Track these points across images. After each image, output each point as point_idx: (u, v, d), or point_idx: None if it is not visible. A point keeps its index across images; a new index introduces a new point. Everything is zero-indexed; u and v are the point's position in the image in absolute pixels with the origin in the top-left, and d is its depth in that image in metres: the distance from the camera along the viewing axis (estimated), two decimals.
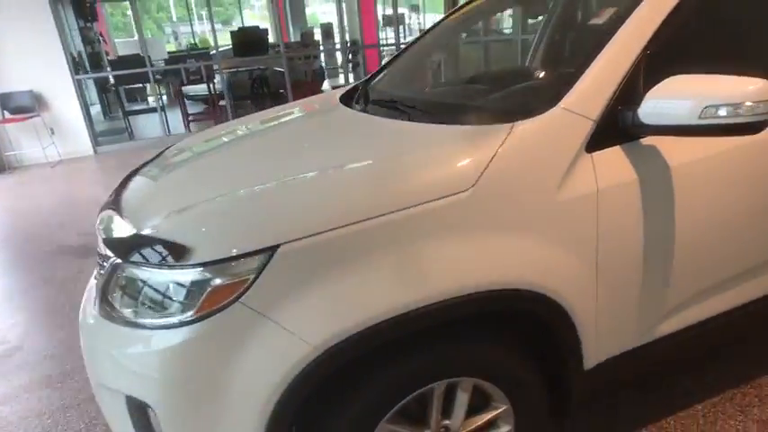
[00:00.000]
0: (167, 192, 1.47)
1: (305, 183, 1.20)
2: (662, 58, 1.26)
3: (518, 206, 1.17)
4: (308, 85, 9.19)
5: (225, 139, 1.90)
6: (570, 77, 1.28)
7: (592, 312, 1.28)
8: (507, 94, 1.61)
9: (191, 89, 8.30)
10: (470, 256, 1.13)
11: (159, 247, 1.12)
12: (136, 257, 1.15)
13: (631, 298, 1.34)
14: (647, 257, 1.30)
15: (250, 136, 1.90)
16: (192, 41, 14.61)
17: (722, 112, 1.08)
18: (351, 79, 8.31)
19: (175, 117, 8.06)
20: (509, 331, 1.29)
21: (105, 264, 1.26)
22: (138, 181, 1.61)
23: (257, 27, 9.59)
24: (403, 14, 14.81)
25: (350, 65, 9.60)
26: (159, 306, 1.11)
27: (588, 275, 1.24)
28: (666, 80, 1.17)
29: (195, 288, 1.06)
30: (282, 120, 2.02)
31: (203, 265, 1.05)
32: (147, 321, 1.12)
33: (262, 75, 8.30)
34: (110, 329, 1.20)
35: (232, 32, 8.55)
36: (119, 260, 1.20)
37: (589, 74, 1.25)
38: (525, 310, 1.22)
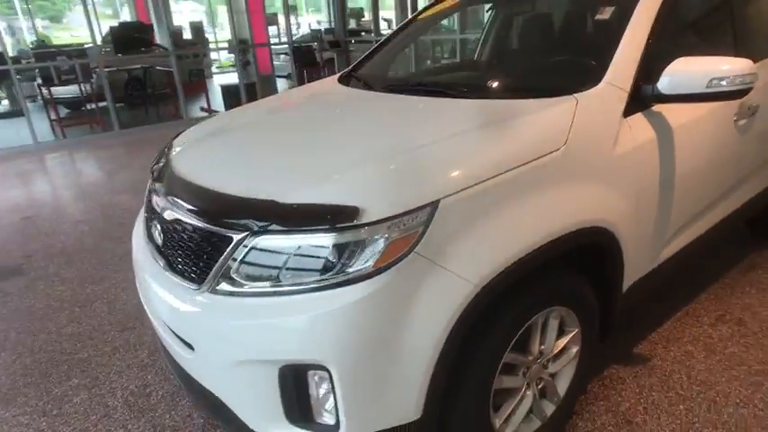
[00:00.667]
0: (283, 161, 1.49)
1: (443, 148, 1.36)
2: (659, 44, 1.66)
3: (590, 160, 1.48)
4: (191, 85, 8.74)
5: (291, 113, 2.11)
6: (601, 59, 1.62)
7: (632, 241, 1.64)
8: (558, 72, 1.92)
9: (60, 90, 7.35)
10: (569, 201, 1.41)
11: (321, 212, 1.18)
12: (285, 225, 1.20)
13: (652, 228, 1.74)
14: (662, 194, 1.71)
15: (324, 111, 2.03)
16: (35, 38, 12.79)
17: (723, 83, 1.50)
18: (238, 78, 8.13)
19: (40, 124, 7.09)
20: (583, 264, 1.59)
21: (207, 246, 1.30)
22: (217, 158, 1.66)
23: (141, 22, 8.83)
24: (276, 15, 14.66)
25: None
26: (322, 268, 1.17)
27: (631, 211, 1.60)
28: (676, 61, 1.56)
29: (370, 245, 1.16)
30: (330, 101, 2.15)
31: (380, 222, 1.16)
32: (305, 285, 1.18)
33: (145, 73, 7.69)
34: (243, 304, 1.24)
35: (112, 27, 7.77)
36: (247, 233, 1.23)
37: (618, 55, 1.60)
38: (595, 243, 1.53)
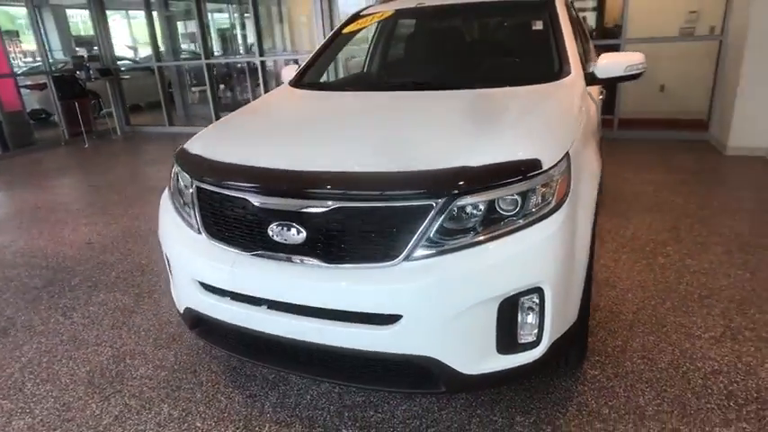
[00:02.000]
0: (422, 138, 1.70)
1: (539, 117, 1.79)
2: (578, 45, 2.43)
3: (587, 122, 2.09)
4: None
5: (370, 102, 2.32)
6: (560, 58, 2.28)
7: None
8: (538, 67, 2.44)
9: None
10: (593, 154, 1.98)
11: (513, 167, 1.47)
12: (481, 184, 1.44)
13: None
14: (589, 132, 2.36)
15: (368, 108, 2.24)
16: None
17: (632, 69, 2.30)
18: None
19: None
20: None
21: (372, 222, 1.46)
22: (352, 148, 1.72)
23: None
24: None
25: None
26: (518, 210, 1.46)
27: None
28: (603, 55, 2.32)
29: (549, 186, 1.51)
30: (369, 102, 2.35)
31: (552, 168, 1.51)
32: (507, 228, 1.45)
33: None
34: (452, 260, 1.42)
35: None
36: (446, 198, 1.42)
37: (571, 54, 2.29)
38: None
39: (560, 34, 2.38)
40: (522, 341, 1.54)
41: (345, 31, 2.95)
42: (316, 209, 1.49)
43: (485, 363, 1.50)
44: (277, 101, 2.57)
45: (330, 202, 1.48)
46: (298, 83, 2.73)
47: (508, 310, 1.47)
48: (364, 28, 2.96)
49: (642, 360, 2.01)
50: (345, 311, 1.49)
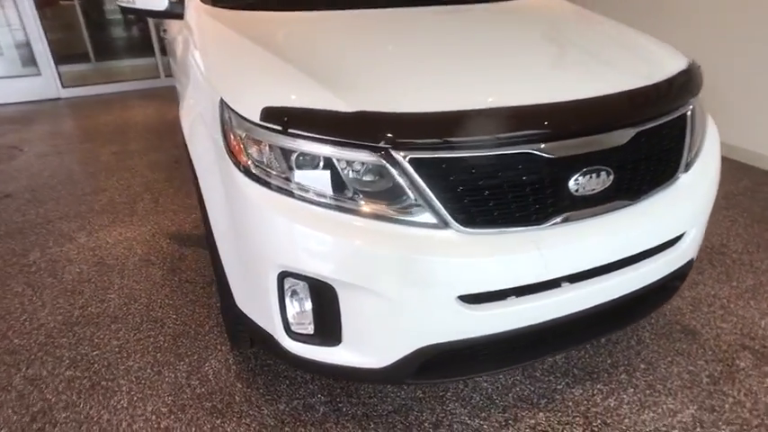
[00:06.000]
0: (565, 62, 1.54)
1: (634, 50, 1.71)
2: None
3: None
4: None
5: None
6: None
7: None
8: None
9: None
10: None
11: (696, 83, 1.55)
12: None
13: None
14: None
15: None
16: None
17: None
18: None
19: None
20: None
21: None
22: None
23: None
24: None
25: None
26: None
27: None
28: None
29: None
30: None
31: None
32: None
33: None
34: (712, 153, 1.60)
35: None
36: (691, 105, 1.50)
37: None
38: None
39: None
40: None
41: None
42: (620, 141, 1.31)
43: None
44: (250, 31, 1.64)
45: (631, 129, 1.33)
46: (219, 2, 1.93)
47: None
48: None
49: None
50: (648, 249, 1.43)
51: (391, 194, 1.22)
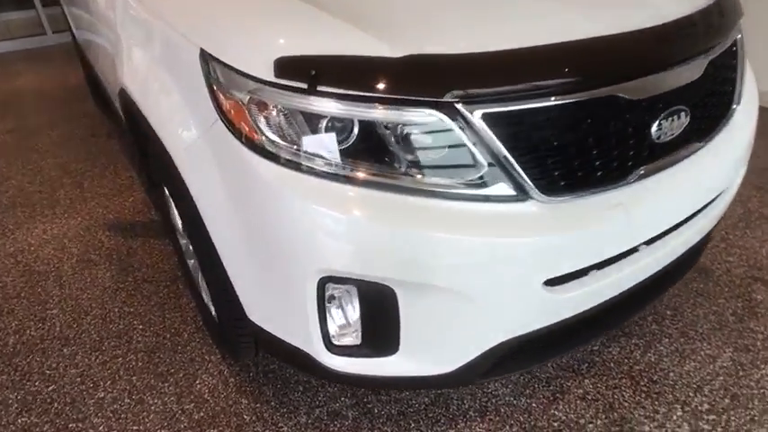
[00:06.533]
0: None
1: None
2: None
3: None
4: None
5: None
6: None
7: None
8: None
9: None
10: None
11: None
12: None
13: None
14: None
15: None
16: None
17: None
18: None
19: None
20: None
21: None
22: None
23: None
24: None
25: None
26: None
27: None
28: None
29: None
30: None
31: None
32: None
33: None
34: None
35: None
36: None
37: None
38: None
39: None
40: None
41: None
42: (696, 74, 1.13)
43: None
44: None
45: (704, 58, 1.13)
46: None
47: None
48: None
49: None
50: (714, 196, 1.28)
51: (458, 163, 0.95)
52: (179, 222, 1.57)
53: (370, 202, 0.93)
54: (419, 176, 0.95)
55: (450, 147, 0.95)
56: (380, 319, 1.04)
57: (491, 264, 0.96)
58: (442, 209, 0.95)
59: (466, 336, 1.06)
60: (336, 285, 1.01)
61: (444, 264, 0.95)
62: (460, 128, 0.92)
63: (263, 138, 0.95)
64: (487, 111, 0.92)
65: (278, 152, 0.95)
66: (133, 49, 1.38)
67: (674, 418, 1.47)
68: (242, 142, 0.97)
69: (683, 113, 1.12)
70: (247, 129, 0.97)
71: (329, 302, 1.04)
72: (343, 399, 1.54)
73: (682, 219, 1.20)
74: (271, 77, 0.92)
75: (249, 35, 0.98)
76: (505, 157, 0.94)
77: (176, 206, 1.40)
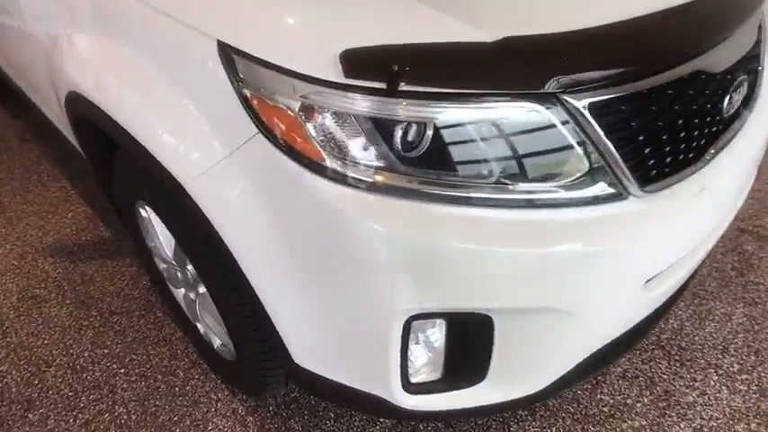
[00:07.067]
0: None
1: None
2: None
3: None
4: None
5: None
6: None
7: None
8: None
9: None
10: None
11: None
12: None
13: None
14: None
15: None
16: None
17: None
18: None
19: None
20: None
21: None
22: None
23: None
24: None
25: None
26: None
27: None
28: None
29: None
30: None
31: None
32: None
33: None
34: None
35: None
36: None
37: None
38: None
39: None
40: None
41: None
42: (752, 40, 1.08)
43: None
44: None
45: (753, 19, 1.03)
46: None
47: None
48: None
49: None
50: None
51: (558, 163, 0.81)
52: (165, 249, 1.31)
53: (468, 225, 0.77)
54: (511, 186, 0.80)
55: (549, 145, 0.80)
56: (469, 350, 0.90)
57: (600, 273, 0.84)
58: (542, 220, 0.81)
59: (563, 351, 0.94)
60: (422, 321, 0.85)
61: (548, 285, 0.82)
62: (563, 122, 0.78)
63: (325, 153, 0.75)
64: (593, 100, 0.78)
65: (345, 170, 0.75)
66: (101, 42, 1.06)
67: (712, 383, 1.49)
68: (296, 160, 0.76)
69: (745, 83, 1.05)
70: (300, 142, 0.76)
71: (415, 338, 0.88)
72: (382, 421, 1.40)
73: (740, 192, 1.15)
74: (333, 77, 0.71)
75: (298, 24, 0.75)
76: (610, 151, 0.81)
77: (176, 233, 1.14)
